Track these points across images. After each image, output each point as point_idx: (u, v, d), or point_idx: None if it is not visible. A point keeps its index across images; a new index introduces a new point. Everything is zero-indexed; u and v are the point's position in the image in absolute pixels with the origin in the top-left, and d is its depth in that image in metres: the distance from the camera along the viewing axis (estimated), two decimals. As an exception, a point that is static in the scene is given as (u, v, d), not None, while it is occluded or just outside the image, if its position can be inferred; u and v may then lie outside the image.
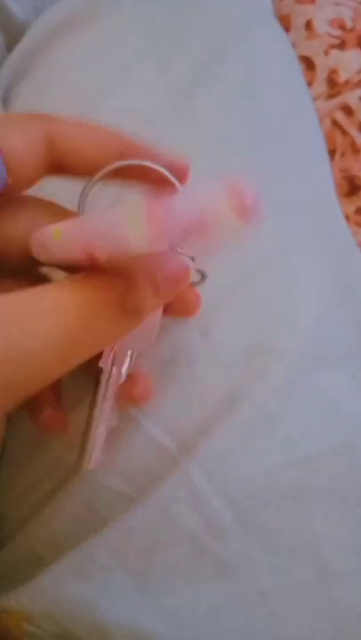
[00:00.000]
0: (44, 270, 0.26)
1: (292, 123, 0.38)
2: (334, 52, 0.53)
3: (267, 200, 0.32)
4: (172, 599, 0.28)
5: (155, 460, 0.29)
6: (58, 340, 0.20)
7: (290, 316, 0.31)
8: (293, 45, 0.53)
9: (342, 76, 0.53)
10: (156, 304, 0.24)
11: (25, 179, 0.24)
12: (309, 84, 0.53)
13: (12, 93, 0.37)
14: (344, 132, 0.52)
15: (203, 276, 0.28)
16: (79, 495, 0.30)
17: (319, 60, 0.53)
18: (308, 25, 0.53)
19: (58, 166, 0.25)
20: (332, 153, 0.51)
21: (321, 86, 0.53)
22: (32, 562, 0.30)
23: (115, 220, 0.19)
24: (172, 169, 0.25)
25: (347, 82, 0.53)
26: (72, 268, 0.23)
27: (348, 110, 0.52)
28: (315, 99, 0.52)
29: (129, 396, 0.27)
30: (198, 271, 0.28)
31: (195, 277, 0.28)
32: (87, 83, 0.35)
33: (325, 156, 0.43)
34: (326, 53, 0.53)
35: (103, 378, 0.26)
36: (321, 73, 0.53)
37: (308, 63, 0.53)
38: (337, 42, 0.53)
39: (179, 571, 0.28)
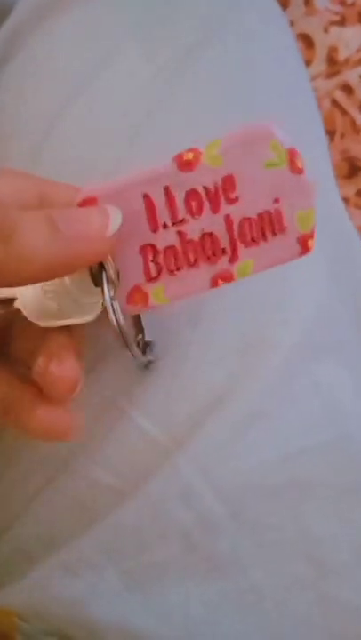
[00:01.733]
0: None
1: (286, 105, 0.37)
2: (334, 29, 0.52)
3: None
4: (164, 596, 0.27)
5: (145, 454, 0.29)
6: None
7: (284, 305, 0.30)
8: (291, 23, 0.51)
9: (342, 54, 0.52)
10: (50, 243, 0.21)
11: None
12: (308, 62, 0.51)
13: None
14: (344, 112, 0.51)
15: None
16: (68, 490, 0.30)
17: (318, 38, 0.52)
18: (307, 0, 0.52)
19: None
20: (331, 134, 0.50)
21: (320, 65, 0.52)
22: (22, 558, 0.30)
23: None
24: None
25: (347, 60, 0.52)
26: None
27: (348, 89, 0.51)
28: (314, 78, 0.51)
29: None
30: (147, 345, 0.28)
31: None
32: (69, 71, 0.34)
33: (323, 139, 0.41)
34: (326, 30, 0.52)
35: None
36: (320, 51, 0.52)
37: (307, 41, 0.52)
38: (337, 18, 0.51)
39: (170, 567, 0.28)
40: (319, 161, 0.39)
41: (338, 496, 0.28)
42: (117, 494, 0.28)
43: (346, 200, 0.43)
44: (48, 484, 0.30)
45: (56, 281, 0.24)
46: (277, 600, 0.27)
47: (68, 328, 0.25)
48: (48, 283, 0.25)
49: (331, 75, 0.52)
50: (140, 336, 0.28)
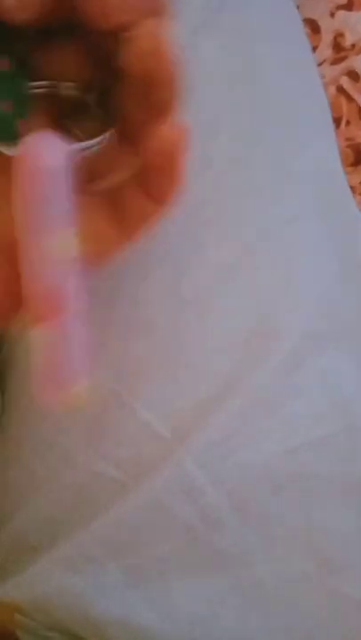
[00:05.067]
0: None
1: (293, 92, 0.36)
2: (341, 14, 0.51)
3: (263, 173, 0.30)
4: (166, 591, 0.27)
5: (148, 446, 0.28)
6: None
7: (290, 295, 0.29)
8: (297, 7, 0.50)
9: (349, 40, 0.51)
10: None
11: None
12: (314, 48, 0.50)
13: None
14: (350, 99, 0.50)
15: None
16: (70, 482, 0.29)
17: (324, 23, 0.51)
18: (314, -16, 0.51)
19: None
20: (337, 121, 0.49)
21: (326, 51, 0.51)
22: (24, 551, 0.30)
23: None
24: None
25: (353, 45, 0.51)
26: None
27: (354, 75, 0.50)
28: (319, 64, 0.50)
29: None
30: None
31: None
32: None
33: (330, 126, 0.41)
34: (332, 15, 0.51)
35: None
36: (326, 36, 0.51)
37: (313, 26, 0.51)
38: (344, 2, 0.50)
39: (173, 562, 0.27)
40: (327, 149, 0.38)
41: (344, 489, 0.27)
42: (120, 487, 0.28)
43: (352, 189, 0.43)
44: (50, 476, 0.30)
45: None
46: (283, 595, 0.27)
47: None
48: None
49: (337, 61, 0.51)
50: None
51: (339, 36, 0.51)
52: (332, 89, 0.50)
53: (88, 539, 0.27)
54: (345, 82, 0.51)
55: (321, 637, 0.27)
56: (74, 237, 0.19)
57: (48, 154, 0.19)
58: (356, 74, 0.50)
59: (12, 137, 0.19)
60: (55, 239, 0.19)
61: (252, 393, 0.28)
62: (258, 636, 0.27)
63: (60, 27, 0.19)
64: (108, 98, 0.21)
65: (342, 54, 0.51)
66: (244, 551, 0.27)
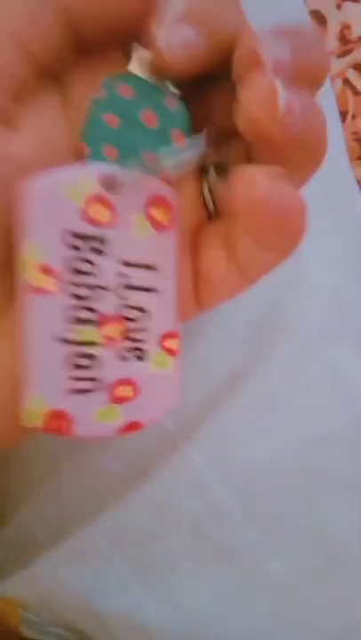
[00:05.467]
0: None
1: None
2: (347, 5, 0.50)
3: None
4: (173, 586, 0.27)
5: (154, 441, 0.28)
6: None
7: (299, 288, 0.29)
8: (304, -1, 0.50)
9: (355, 32, 0.50)
10: None
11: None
12: (320, 40, 0.50)
13: None
14: (356, 92, 0.49)
15: None
16: (75, 476, 0.29)
17: (331, 15, 0.50)
18: (320, -24, 0.50)
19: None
20: (343, 115, 0.48)
21: (332, 43, 0.50)
22: (29, 545, 0.30)
23: None
24: None
25: (360, 38, 0.50)
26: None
27: (360, 68, 0.49)
28: (326, 56, 0.49)
29: None
30: None
31: None
32: None
33: (336, 119, 0.40)
34: (338, 6, 0.50)
35: None
36: (332, 28, 0.50)
37: (319, 18, 0.50)
38: (350, -6, 0.50)
39: (179, 557, 0.27)
40: (334, 142, 0.38)
41: (354, 483, 0.27)
42: (126, 482, 0.28)
43: (359, 183, 0.42)
44: (54, 470, 0.29)
45: None
46: (291, 591, 0.26)
47: None
48: None
49: (343, 53, 0.50)
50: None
51: (345, 28, 0.50)
52: (339, 82, 0.50)
53: (93, 533, 0.27)
54: (351, 75, 0.50)
55: (329, 633, 0.26)
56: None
57: (31, 183, 0.18)
58: (363, 67, 0.50)
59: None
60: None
61: (260, 387, 0.27)
62: (265, 632, 0.27)
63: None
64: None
65: (349, 47, 0.50)
66: (252, 546, 0.27)
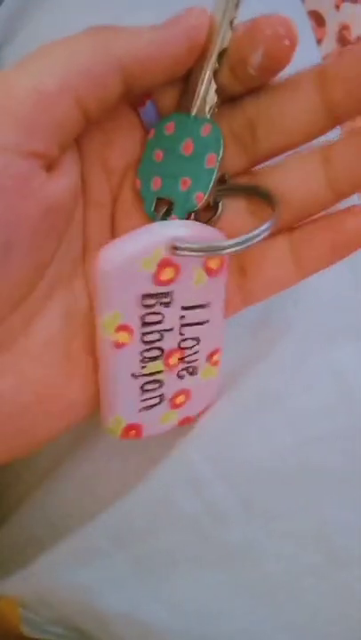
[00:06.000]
0: None
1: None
2: (346, 6, 0.50)
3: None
4: (173, 586, 0.27)
5: (153, 440, 0.28)
6: None
7: (297, 287, 0.29)
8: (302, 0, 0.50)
9: (354, 33, 0.50)
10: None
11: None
12: (319, 41, 0.50)
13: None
14: (355, 93, 0.49)
15: None
16: (75, 473, 0.29)
17: (329, 15, 0.50)
18: (318, -24, 0.50)
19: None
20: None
21: (331, 44, 0.50)
22: (30, 543, 0.30)
23: None
24: None
25: (359, 38, 0.50)
26: None
27: (359, 69, 0.50)
28: (324, 57, 0.49)
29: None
30: None
31: None
32: None
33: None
34: (337, 7, 0.50)
35: None
36: (331, 29, 0.50)
37: (318, 19, 0.50)
38: (349, -6, 0.50)
39: (180, 556, 0.27)
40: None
41: (352, 484, 0.27)
42: (125, 481, 0.28)
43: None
44: (55, 468, 0.29)
45: None
46: (291, 590, 0.26)
47: None
48: None
49: (342, 54, 0.51)
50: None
51: (344, 28, 0.50)
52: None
53: (94, 531, 0.27)
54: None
55: (331, 633, 0.26)
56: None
57: (107, 258, 0.21)
58: (362, 67, 0.50)
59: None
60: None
61: (259, 386, 0.27)
62: (266, 632, 0.27)
63: None
64: None
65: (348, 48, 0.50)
66: (252, 545, 0.27)
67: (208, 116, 0.23)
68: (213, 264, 0.23)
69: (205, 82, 0.22)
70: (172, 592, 0.27)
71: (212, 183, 0.23)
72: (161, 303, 0.22)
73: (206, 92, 0.23)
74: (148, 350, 0.23)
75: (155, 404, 0.25)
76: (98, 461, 0.28)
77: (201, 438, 0.27)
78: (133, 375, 0.23)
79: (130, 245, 0.21)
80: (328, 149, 0.23)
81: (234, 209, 0.24)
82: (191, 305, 0.23)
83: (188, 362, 0.25)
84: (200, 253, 0.21)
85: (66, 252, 0.23)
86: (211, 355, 0.25)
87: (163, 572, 0.27)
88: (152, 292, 0.22)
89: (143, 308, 0.22)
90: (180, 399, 0.26)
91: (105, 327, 0.22)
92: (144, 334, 0.23)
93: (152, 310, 0.22)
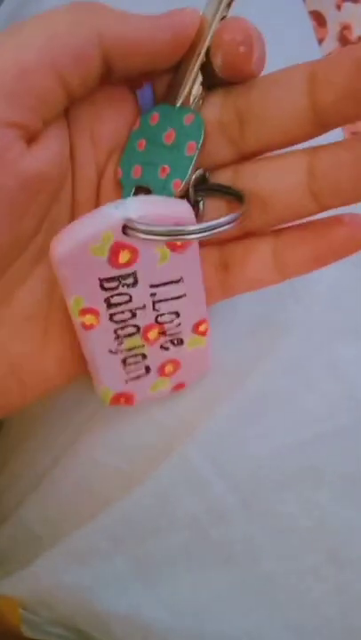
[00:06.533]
0: None
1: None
2: (347, 5, 0.50)
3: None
4: (173, 586, 0.27)
5: (152, 438, 0.28)
6: None
7: (298, 285, 0.29)
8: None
9: (355, 32, 0.50)
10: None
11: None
12: (320, 41, 0.50)
13: None
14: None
15: None
16: (75, 472, 0.29)
17: (331, 15, 0.50)
18: (319, -24, 0.50)
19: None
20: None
21: (332, 44, 0.50)
22: (29, 543, 0.29)
23: None
24: None
25: (360, 38, 0.50)
26: None
27: (360, 69, 0.50)
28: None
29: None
30: None
31: None
32: None
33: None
34: (338, 7, 0.50)
35: None
36: (332, 29, 0.50)
37: (319, 19, 0.50)
38: (350, -6, 0.50)
39: (180, 556, 0.27)
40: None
41: (353, 483, 0.27)
42: (126, 479, 0.28)
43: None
44: (54, 466, 0.29)
45: None
46: (292, 591, 0.26)
47: None
48: None
49: (343, 54, 0.50)
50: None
51: (345, 28, 0.50)
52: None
53: (94, 531, 0.27)
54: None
55: (330, 634, 0.26)
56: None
57: (59, 245, 0.21)
58: (363, 67, 0.50)
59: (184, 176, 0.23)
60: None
61: (260, 385, 0.27)
62: (266, 632, 0.27)
63: None
64: None
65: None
66: (252, 545, 0.26)
67: (192, 107, 0.23)
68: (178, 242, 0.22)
69: (193, 74, 0.23)
70: (173, 592, 0.27)
71: (190, 170, 0.23)
72: (124, 284, 0.22)
73: (192, 85, 0.23)
74: (121, 329, 0.23)
75: (142, 375, 0.25)
76: (98, 461, 0.28)
77: (201, 438, 0.27)
78: (111, 351, 0.24)
79: (80, 231, 0.21)
80: (313, 157, 0.22)
81: (215, 208, 0.24)
82: (160, 283, 0.23)
83: (171, 334, 0.25)
84: (158, 237, 0.21)
85: (51, 226, 0.23)
86: (196, 325, 0.25)
87: (163, 572, 0.27)
88: (111, 275, 0.22)
89: (105, 291, 0.22)
90: (169, 368, 0.26)
91: (72, 310, 0.22)
92: (113, 315, 0.23)
93: (116, 292, 0.22)
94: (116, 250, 0.21)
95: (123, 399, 0.26)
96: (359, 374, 0.28)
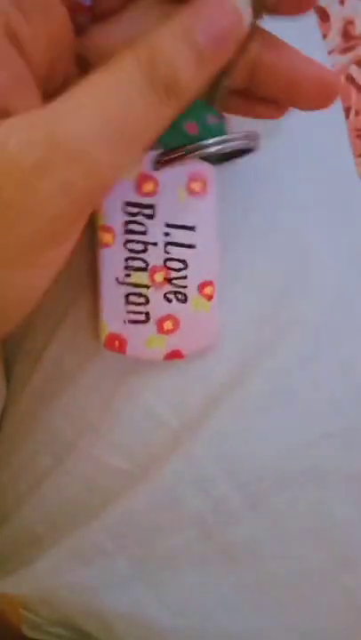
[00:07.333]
0: None
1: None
2: (351, 0, 0.50)
3: (274, 158, 0.29)
4: (176, 586, 0.27)
5: (156, 436, 0.28)
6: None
7: (305, 284, 0.29)
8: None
9: (359, 28, 0.50)
10: (200, 74, 0.19)
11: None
12: (323, 36, 0.49)
13: None
14: (359, 89, 0.49)
15: None
16: (76, 472, 0.28)
17: (334, 10, 0.50)
18: (323, -29, 0.50)
19: None
20: (346, 111, 0.48)
21: (335, 39, 0.50)
22: (31, 542, 0.29)
23: None
24: None
25: (363, 34, 0.50)
26: None
27: (363, 65, 0.49)
28: (328, 53, 0.49)
29: None
30: None
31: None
32: None
33: (341, 115, 0.40)
34: (342, 2, 0.50)
35: None
36: (335, 24, 0.50)
37: (323, 14, 0.50)
38: (354, -11, 0.50)
39: (183, 556, 0.27)
40: (337, 139, 0.38)
41: (359, 484, 0.27)
42: (129, 478, 0.27)
43: (361, 179, 0.42)
44: (56, 465, 0.29)
45: None
46: (296, 592, 0.26)
47: None
48: None
49: (346, 50, 0.50)
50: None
51: (348, 23, 0.50)
52: (342, 78, 0.49)
53: (96, 531, 0.27)
54: (354, 71, 0.50)
55: (335, 635, 0.26)
56: None
57: None
58: (366, 63, 0.50)
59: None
60: None
61: (266, 383, 0.27)
62: (270, 633, 0.26)
63: None
64: None
65: (352, 43, 0.50)
66: (257, 545, 0.26)
67: (215, 108, 0.23)
68: (198, 187, 0.25)
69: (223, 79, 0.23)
70: (176, 591, 0.27)
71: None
72: (143, 214, 0.25)
73: (221, 89, 0.23)
74: (132, 259, 0.25)
75: (140, 321, 0.26)
76: (100, 460, 0.28)
77: (206, 437, 0.27)
78: (117, 280, 0.25)
79: None
80: None
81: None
82: (175, 223, 0.25)
83: (176, 285, 0.26)
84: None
85: None
86: (202, 285, 0.26)
87: (166, 572, 0.27)
88: (134, 200, 0.24)
89: (126, 215, 0.25)
90: (168, 325, 0.26)
91: (95, 228, 0.25)
92: (127, 242, 0.25)
93: (135, 219, 0.25)
94: (142, 178, 0.24)
95: (117, 342, 0.26)
96: None
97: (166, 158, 0.24)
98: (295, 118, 0.33)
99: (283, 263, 0.29)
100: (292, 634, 0.27)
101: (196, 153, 0.23)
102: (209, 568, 0.27)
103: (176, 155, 0.23)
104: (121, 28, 0.22)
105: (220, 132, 0.23)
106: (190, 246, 0.25)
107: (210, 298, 0.26)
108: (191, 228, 0.25)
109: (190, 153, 0.23)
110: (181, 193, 0.25)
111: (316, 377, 0.27)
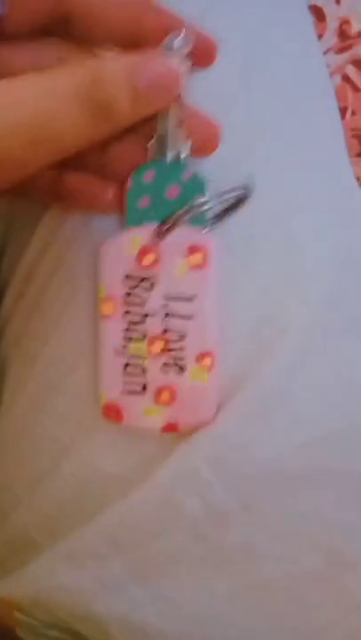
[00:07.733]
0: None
1: (299, 80, 0.36)
2: (347, 0, 0.50)
3: (271, 160, 0.29)
4: (171, 589, 0.27)
5: (152, 440, 0.28)
6: (17, 133, 0.21)
7: (299, 283, 0.29)
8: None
9: (355, 27, 0.50)
10: (133, 111, 0.22)
11: (23, 15, 0.23)
12: (319, 36, 0.49)
13: None
14: (355, 89, 0.49)
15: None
16: (72, 475, 0.28)
17: (330, 10, 0.50)
18: (318, -30, 0.50)
19: (64, 20, 0.23)
20: (342, 111, 0.48)
21: (331, 39, 0.50)
22: (26, 545, 0.29)
23: None
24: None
25: (359, 33, 0.50)
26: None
27: (359, 64, 0.49)
28: (324, 52, 0.49)
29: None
30: None
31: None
32: None
33: (336, 115, 0.40)
34: (338, 1, 0.50)
35: None
36: (331, 24, 0.50)
37: (319, 13, 0.50)
38: (350, -12, 0.50)
39: (178, 559, 0.27)
40: (333, 139, 0.38)
41: (354, 485, 0.27)
42: (123, 481, 0.27)
43: (357, 179, 0.42)
44: (51, 468, 0.29)
45: None
46: (292, 594, 0.26)
47: None
48: None
49: (342, 49, 0.50)
50: None
51: (345, 23, 0.50)
52: (338, 78, 0.49)
53: (92, 533, 0.27)
54: (350, 71, 0.50)
55: (331, 637, 0.26)
56: None
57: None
58: (362, 63, 0.49)
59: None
60: None
61: (262, 386, 0.27)
62: (265, 635, 0.26)
63: None
64: None
65: (348, 42, 0.50)
66: (253, 548, 0.26)
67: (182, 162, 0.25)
68: (197, 260, 0.26)
69: (174, 129, 0.25)
70: (171, 594, 0.27)
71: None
72: (143, 287, 0.26)
73: (177, 139, 0.25)
74: (130, 330, 0.26)
75: (137, 392, 0.26)
76: (96, 464, 0.28)
77: (202, 439, 0.27)
78: (116, 351, 0.26)
79: (123, 237, 0.26)
80: None
81: None
82: (174, 295, 0.26)
83: (174, 357, 0.26)
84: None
85: None
86: (201, 356, 0.26)
87: (161, 575, 0.27)
88: (135, 273, 0.26)
89: (126, 287, 0.26)
90: (165, 396, 0.26)
91: (98, 300, 0.26)
92: (126, 312, 0.26)
93: (134, 291, 0.26)
94: (143, 251, 0.25)
95: (113, 412, 0.27)
96: (360, 374, 0.27)
97: (165, 228, 0.25)
98: (290, 119, 0.33)
99: (280, 265, 0.29)
100: (289, 635, 0.27)
101: (190, 215, 0.25)
102: (204, 570, 0.27)
103: (171, 223, 0.25)
104: (27, 53, 0.24)
105: (199, 185, 0.25)
106: (189, 317, 0.26)
107: (208, 369, 0.26)
108: (190, 300, 0.26)
109: (183, 216, 0.25)
110: (181, 264, 0.26)
111: (309, 379, 0.27)
